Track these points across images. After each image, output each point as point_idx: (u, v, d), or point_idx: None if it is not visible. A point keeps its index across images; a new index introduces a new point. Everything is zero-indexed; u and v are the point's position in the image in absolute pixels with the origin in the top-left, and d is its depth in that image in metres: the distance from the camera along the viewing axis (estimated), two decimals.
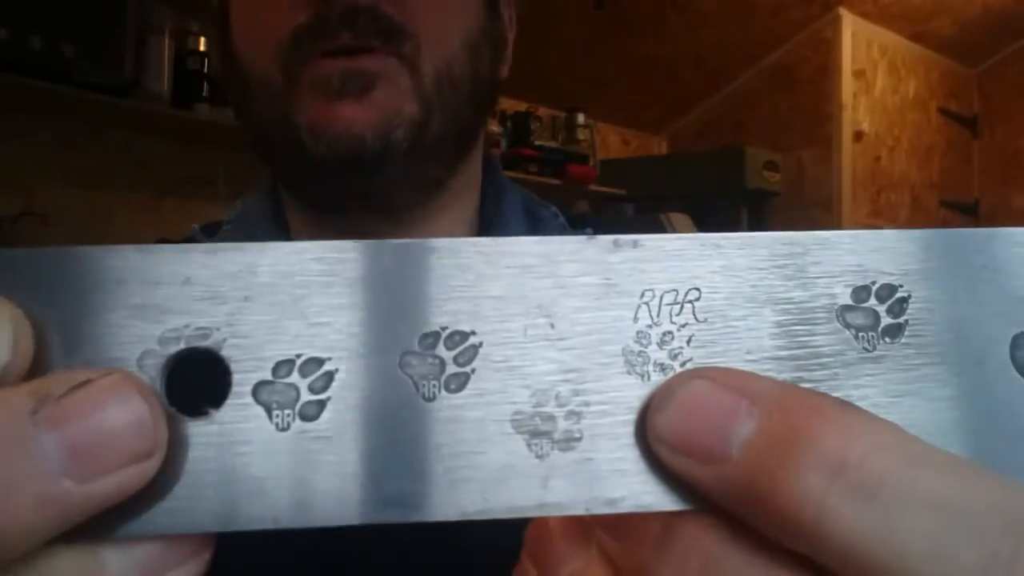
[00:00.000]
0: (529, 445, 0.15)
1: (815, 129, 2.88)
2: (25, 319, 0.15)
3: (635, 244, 0.16)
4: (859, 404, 0.16)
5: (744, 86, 3.04)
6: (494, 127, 2.44)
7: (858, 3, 2.81)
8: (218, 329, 0.15)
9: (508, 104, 2.54)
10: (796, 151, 2.88)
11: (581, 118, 2.69)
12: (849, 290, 0.16)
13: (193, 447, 0.15)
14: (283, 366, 0.15)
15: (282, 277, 0.15)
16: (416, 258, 0.16)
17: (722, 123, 3.09)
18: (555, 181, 2.48)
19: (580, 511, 0.15)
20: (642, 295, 0.16)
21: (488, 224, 0.52)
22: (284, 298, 0.15)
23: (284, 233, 0.50)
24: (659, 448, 0.15)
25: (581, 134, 2.68)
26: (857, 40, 2.88)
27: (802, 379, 0.16)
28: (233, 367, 0.15)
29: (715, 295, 0.16)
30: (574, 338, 0.16)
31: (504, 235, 0.50)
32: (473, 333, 0.16)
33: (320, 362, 0.15)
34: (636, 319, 0.16)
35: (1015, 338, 0.16)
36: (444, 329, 0.15)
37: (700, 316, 0.16)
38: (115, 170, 1.81)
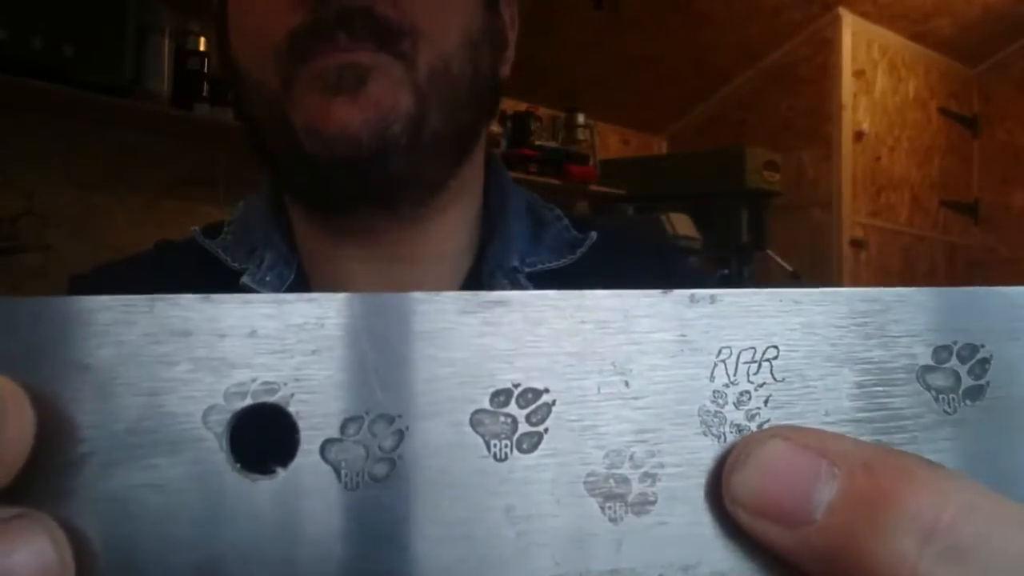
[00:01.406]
0: (603, 508, 0.15)
1: (815, 129, 2.87)
2: (22, 396, 0.14)
3: (712, 299, 0.15)
4: None
5: (744, 86, 3.04)
6: (494, 127, 2.43)
7: (858, 3, 2.81)
8: (285, 384, 0.15)
9: (508, 104, 2.54)
10: (796, 151, 2.88)
11: (581, 118, 2.69)
12: (930, 350, 0.16)
13: (259, 506, 0.15)
14: (352, 423, 0.15)
15: (350, 330, 0.15)
16: (487, 311, 0.15)
17: (722, 123, 3.09)
18: (555, 181, 2.48)
19: None
20: (719, 353, 0.15)
21: (491, 225, 0.51)
22: (352, 352, 0.15)
23: (284, 235, 0.50)
24: (737, 511, 0.15)
25: (581, 134, 2.68)
26: (857, 40, 2.88)
27: (880, 442, 0.15)
28: (301, 424, 0.15)
29: (793, 353, 0.15)
30: (649, 397, 0.15)
31: (507, 235, 0.50)
32: (547, 391, 0.15)
33: (390, 420, 0.15)
34: (713, 378, 0.15)
35: None
36: (517, 386, 0.15)
37: (778, 375, 0.15)
38: (115, 170, 1.80)
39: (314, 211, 0.49)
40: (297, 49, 0.43)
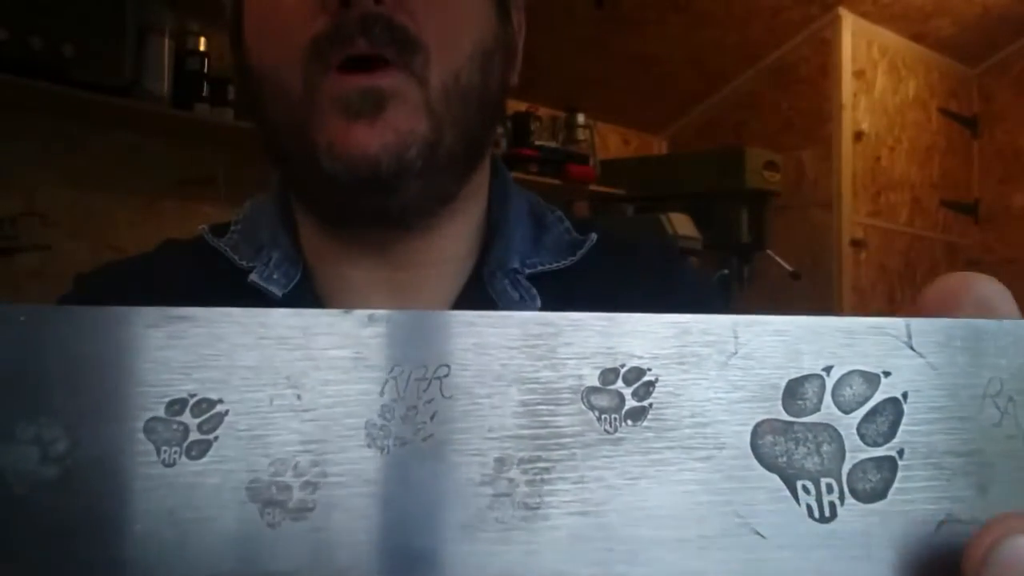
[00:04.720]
0: (262, 513, 0.16)
1: (815, 129, 2.87)
2: None
3: (389, 320, 0.16)
4: (594, 485, 0.16)
5: (744, 86, 3.04)
6: None
7: (858, 3, 2.81)
8: None
9: (508, 104, 2.53)
10: (796, 151, 2.87)
11: (581, 118, 2.69)
12: (597, 372, 0.16)
13: None
14: (28, 428, 0.15)
15: (37, 340, 0.16)
16: (172, 325, 0.16)
17: (722, 123, 3.09)
18: (555, 181, 2.48)
19: None
20: (391, 370, 0.16)
21: (494, 228, 0.52)
22: (39, 365, 0.15)
23: (291, 235, 0.50)
24: None
25: (581, 134, 2.68)
26: (857, 40, 2.88)
27: (540, 458, 0.16)
28: None
29: (464, 372, 0.16)
30: (319, 410, 0.16)
31: (508, 237, 0.51)
32: (220, 401, 0.16)
33: (65, 426, 0.15)
34: (383, 393, 0.16)
35: (758, 426, 0.16)
36: (192, 396, 0.16)
37: (447, 392, 0.16)
38: (115, 170, 1.80)
39: (324, 221, 0.50)
40: (320, 54, 0.43)
